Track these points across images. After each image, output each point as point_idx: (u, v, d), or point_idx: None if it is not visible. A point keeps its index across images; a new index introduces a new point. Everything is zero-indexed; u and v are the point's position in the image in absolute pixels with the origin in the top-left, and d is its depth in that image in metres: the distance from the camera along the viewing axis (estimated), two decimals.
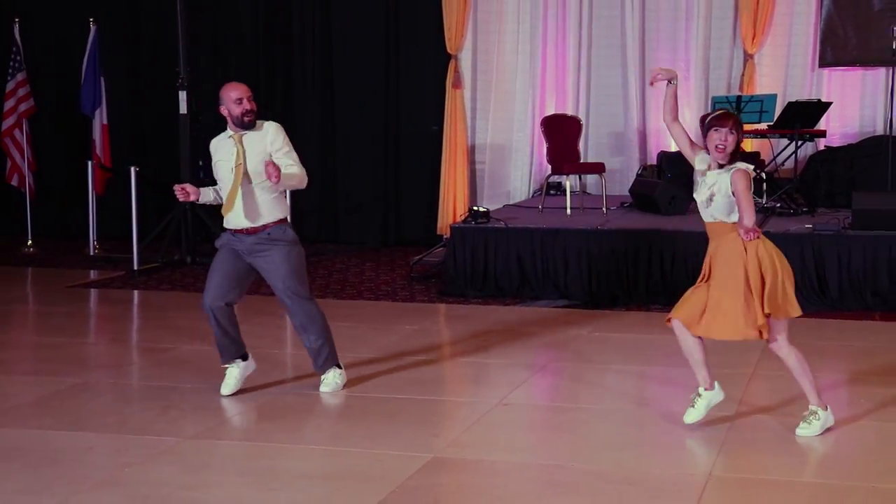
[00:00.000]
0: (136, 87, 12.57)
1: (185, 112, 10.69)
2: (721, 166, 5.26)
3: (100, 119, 11.57)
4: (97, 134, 11.59)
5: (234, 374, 6.10)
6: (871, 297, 8.39)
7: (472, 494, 4.70)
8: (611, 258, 8.85)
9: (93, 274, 10.36)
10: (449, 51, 11.53)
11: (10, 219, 12.50)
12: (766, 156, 10.52)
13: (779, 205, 9.64)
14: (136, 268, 10.19)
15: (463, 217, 10.10)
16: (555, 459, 5.11)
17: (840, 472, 4.93)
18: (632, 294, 8.77)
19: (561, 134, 10.62)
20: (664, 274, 8.74)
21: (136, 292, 9.52)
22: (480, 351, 7.26)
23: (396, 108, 12.05)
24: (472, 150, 11.78)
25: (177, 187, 5.99)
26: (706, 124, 5.30)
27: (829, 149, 10.52)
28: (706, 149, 5.33)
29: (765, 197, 9.82)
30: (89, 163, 11.40)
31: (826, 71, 10.95)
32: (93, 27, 11.42)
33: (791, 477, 4.81)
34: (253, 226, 5.94)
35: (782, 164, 10.21)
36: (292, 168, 6.00)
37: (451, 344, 7.82)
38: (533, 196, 11.30)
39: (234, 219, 5.94)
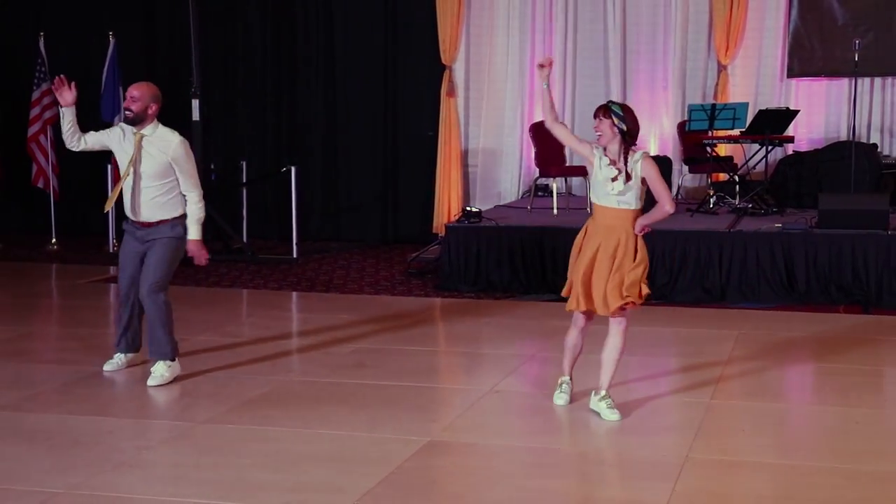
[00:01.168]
0: None
1: (198, 119, 10.66)
2: (621, 158, 5.21)
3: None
4: None
5: (122, 360, 6.26)
6: (835, 291, 8.39)
7: (465, 475, 4.70)
8: None
9: (112, 270, 10.32)
10: (443, 62, 11.52)
11: (36, 218, 12.47)
12: (738, 160, 10.52)
13: (750, 205, 9.64)
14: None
15: (457, 217, 10.09)
16: (542, 443, 5.11)
17: (806, 453, 4.94)
18: None
19: (548, 139, 10.47)
20: None
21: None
22: (473, 342, 7.26)
23: (394, 114, 12.04)
24: (465, 154, 11.77)
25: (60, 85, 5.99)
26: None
27: (796, 153, 10.52)
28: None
29: (737, 198, 9.82)
30: (109, 166, 11.37)
31: (794, 81, 10.95)
32: (112, 40, 11.40)
33: (761, 458, 4.82)
34: (144, 221, 5.99)
35: (754, 167, 10.21)
36: (192, 195, 5.99)
37: (445, 335, 7.82)
38: (522, 197, 11.29)
39: (128, 211, 6.03)
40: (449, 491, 4.54)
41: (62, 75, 6.06)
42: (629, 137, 5.23)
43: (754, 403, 5.73)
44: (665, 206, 5.22)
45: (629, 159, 5.22)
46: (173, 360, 6.11)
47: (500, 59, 11.65)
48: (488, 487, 4.49)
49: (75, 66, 12.62)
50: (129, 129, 6.02)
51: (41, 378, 6.26)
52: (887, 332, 7.44)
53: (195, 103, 10.63)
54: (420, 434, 5.11)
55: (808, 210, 9.36)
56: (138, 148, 5.94)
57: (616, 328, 5.38)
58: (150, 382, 6.00)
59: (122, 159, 6.02)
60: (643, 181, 5.23)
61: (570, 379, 5.65)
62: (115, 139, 6.07)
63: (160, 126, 6.04)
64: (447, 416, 5.55)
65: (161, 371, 6.05)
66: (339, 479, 4.54)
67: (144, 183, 5.94)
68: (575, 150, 5.52)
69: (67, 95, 6.01)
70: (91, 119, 12.02)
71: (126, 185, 5.97)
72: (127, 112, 5.97)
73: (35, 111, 11.68)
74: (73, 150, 6.17)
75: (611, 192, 5.22)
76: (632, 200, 5.24)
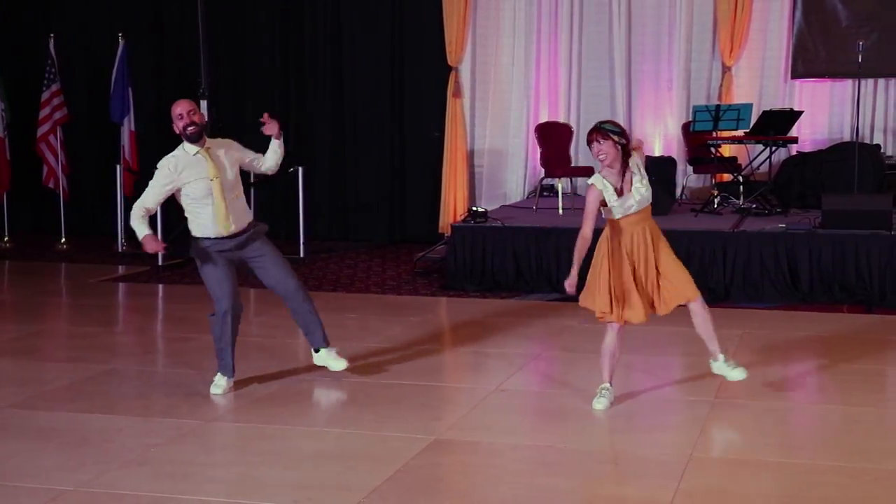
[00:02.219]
0: (162, 96, 12.52)
1: (206, 119, 10.66)
2: (623, 171, 5.37)
3: (128, 126, 11.57)
4: (125, 140, 11.58)
5: (225, 385, 5.89)
6: (839, 290, 8.38)
7: (471, 473, 4.70)
8: None
9: (121, 269, 10.36)
10: (450, 63, 11.52)
11: (46, 218, 12.49)
12: (742, 160, 10.51)
13: (754, 206, 9.63)
14: (160, 263, 10.18)
15: (463, 217, 10.09)
16: (547, 441, 5.11)
17: (810, 452, 4.94)
18: None
19: (554, 140, 10.61)
20: None
21: (160, 286, 9.52)
22: (479, 341, 7.26)
23: (401, 115, 12.04)
24: (471, 155, 11.76)
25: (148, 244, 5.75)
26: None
27: (800, 154, 10.50)
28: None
29: (741, 198, 9.80)
30: (118, 167, 11.40)
31: (798, 82, 10.93)
32: (121, 41, 11.41)
33: (765, 457, 4.81)
34: (240, 229, 5.81)
35: (757, 168, 10.20)
36: (274, 154, 6.09)
37: (451, 334, 7.82)
38: (528, 197, 11.28)
39: (225, 228, 5.74)
40: (454, 489, 4.54)
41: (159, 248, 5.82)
42: (627, 149, 5.36)
43: (758, 402, 5.72)
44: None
45: (630, 170, 5.36)
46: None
47: (506, 60, 11.64)
48: (494, 486, 4.49)
49: (85, 67, 12.72)
50: (183, 155, 5.72)
51: (51, 376, 6.27)
52: (890, 332, 7.42)
53: (204, 104, 10.62)
54: (426, 432, 5.11)
55: (811, 210, 9.34)
56: (214, 160, 5.72)
57: (697, 307, 5.53)
58: (340, 367, 6.01)
59: (199, 185, 5.69)
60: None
61: (611, 385, 5.60)
62: (177, 175, 5.70)
63: (208, 139, 5.82)
64: (453, 414, 5.55)
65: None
66: (345, 477, 4.55)
67: (230, 195, 5.75)
68: (595, 210, 5.43)
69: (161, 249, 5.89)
70: (100, 119, 12.08)
71: (219, 204, 5.70)
72: (191, 128, 5.66)
73: (45, 111, 11.70)
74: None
75: (630, 207, 5.38)
76: (647, 197, 5.42)
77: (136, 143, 11.57)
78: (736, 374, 5.62)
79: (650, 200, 5.44)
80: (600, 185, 5.37)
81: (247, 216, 5.89)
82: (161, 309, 8.93)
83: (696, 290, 5.53)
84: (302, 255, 10.62)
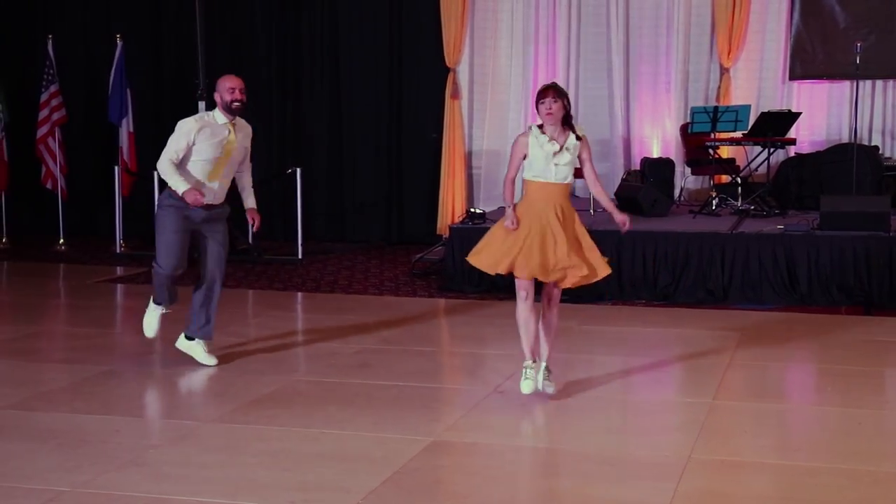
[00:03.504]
0: (160, 97, 12.55)
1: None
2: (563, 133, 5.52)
3: (126, 127, 11.55)
4: (124, 141, 11.57)
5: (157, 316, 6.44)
6: (837, 292, 8.37)
7: (469, 475, 4.69)
8: None
9: (119, 270, 10.34)
10: (447, 64, 11.51)
11: (44, 219, 12.47)
12: (740, 162, 10.51)
13: (753, 207, 9.63)
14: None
15: (461, 218, 10.09)
16: (545, 443, 5.10)
17: (808, 454, 4.93)
18: (616, 290, 8.75)
19: None
20: (646, 271, 8.73)
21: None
22: (477, 342, 7.25)
23: (399, 116, 12.03)
24: (469, 156, 11.76)
25: (190, 195, 5.98)
26: (536, 101, 5.55)
27: (798, 155, 10.51)
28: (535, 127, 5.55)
29: (740, 200, 9.80)
30: (116, 168, 11.39)
31: (796, 83, 10.93)
32: (119, 42, 11.40)
33: (763, 459, 4.81)
34: (216, 203, 6.21)
35: (756, 169, 10.20)
36: (248, 172, 6.53)
37: (449, 336, 7.81)
38: None
39: (209, 197, 6.11)
40: (453, 490, 4.53)
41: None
42: (569, 120, 5.56)
43: (756, 404, 5.71)
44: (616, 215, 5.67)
45: (565, 139, 5.51)
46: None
47: (503, 61, 11.64)
48: (492, 487, 4.48)
49: (83, 67, 12.71)
50: (210, 119, 6.13)
51: (49, 377, 6.26)
52: (889, 334, 7.42)
53: (201, 105, 10.62)
54: (424, 434, 5.10)
55: (809, 212, 9.34)
56: (229, 139, 6.15)
57: (557, 301, 5.62)
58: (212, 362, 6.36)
59: (212, 148, 6.09)
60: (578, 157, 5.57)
61: (534, 362, 5.65)
62: (197, 134, 6.07)
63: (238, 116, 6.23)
64: (451, 415, 5.54)
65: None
66: (343, 478, 4.54)
67: (229, 169, 6.23)
68: (518, 159, 5.60)
69: (202, 199, 6.06)
70: (98, 120, 12.08)
71: (208, 168, 6.11)
72: (237, 103, 6.10)
73: (44, 113, 11.69)
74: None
75: (556, 165, 5.48)
76: (568, 175, 5.55)
77: (134, 144, 11.56)
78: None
79: (567, 180, 5.53)
80: (530, 135, 5.51)
81: (225, 195, 6.29)
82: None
83: (606, 269, 5.57)
84: (300, 256, 10.61)
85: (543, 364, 5.65)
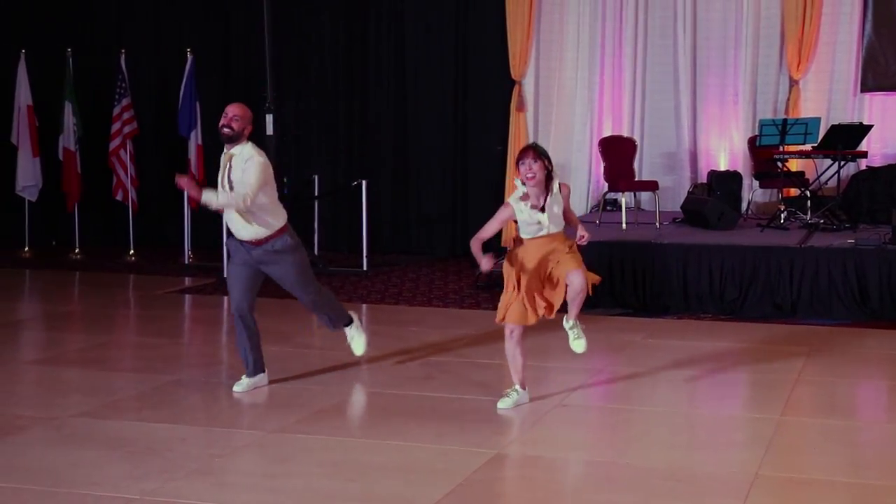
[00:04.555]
0: None
1: (272, 133, 10.79)
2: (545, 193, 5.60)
3: (195, 140, 11.73)
4: (193, 153, 11.75)
5: (247, 382, 6.17)
6: None
7: (532, 488, 4.68)
8: (663, 270, 8.76)
9: (187, 281, 10.50)
10: (513, 77, 11.52)
11: (115, 230, 12.71)
12: (810, 175, 10.35)
13: (822, 221, 9.48)
14: (226, 275, 10.28)
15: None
16: (609, 457, 5.07)
17: (879, 472, 4.83)
18: (682, 303, 8.67)
19: (617, 154, 10.55)
20: (713, 284, 8.63)
21: (225, 298, 9.59)
22: (541, 355, 7.22)
23: (465, 129, 12.06)
24: None
25: (178, 179, 5.89)
26: (516, 162, 5.65)
27: (870, 168, 10.32)
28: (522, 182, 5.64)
29: (809, 213, 9.66)
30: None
31: (867, 95, 10.75)
32: (190, 57, 11.59)
33: (833, 477, 4.72)
34: (254, 239, 5.97)
35: (826, 182, 10.04)
36: (228, 194, 5.89)
37: None
38: (591, 211, 11.23)
39: (236, 230, 6.02)
40: None
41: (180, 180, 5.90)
42: (550, 174, 5.61)
43: (825, 421, 5.62)
44: (578, 230, 5.69)
45: (549, 194, 5.58)
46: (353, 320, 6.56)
47: (569, 73, 11.61)
48: (555, 501, 4.46)
49: (154, 81, 12.95)
50: (224, 151, 6.04)
51: (118, 386, 6.37)
52: None
53: (269, 118, 10.75)
54: (487, 446, 5.10)
55: (881, 226, 9.18)
56: (227, 167, 5.96)
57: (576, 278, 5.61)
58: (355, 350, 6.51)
59: (218, 181, 6.03)
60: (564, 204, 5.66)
61: (523, 388, 5.87)
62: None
63: (249, 145, 6.01)
64: (515, 428, 5.53)
65: (355, 332, 6.52)
66: (406, 489, 4.55)
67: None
68: (499, 224, 5.82)
69: (192, 192, 5.94)
70: (168, 133, 12.29)
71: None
72: (226, 129, 5.96)
73: (116, 126, 11.93)
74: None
75: (540, 228, 5.59)
76: (559, 224, 5.64)
77: (202, 157, 11.73)
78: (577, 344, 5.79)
79: (559, 229, 5.62)
80: (514, 202, 5.63)
81: (261, 231, 5.97)
82: (226, 320, 9.01)
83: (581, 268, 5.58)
84: (365, 268, 10.67)
85: (571, 321, 5.78)
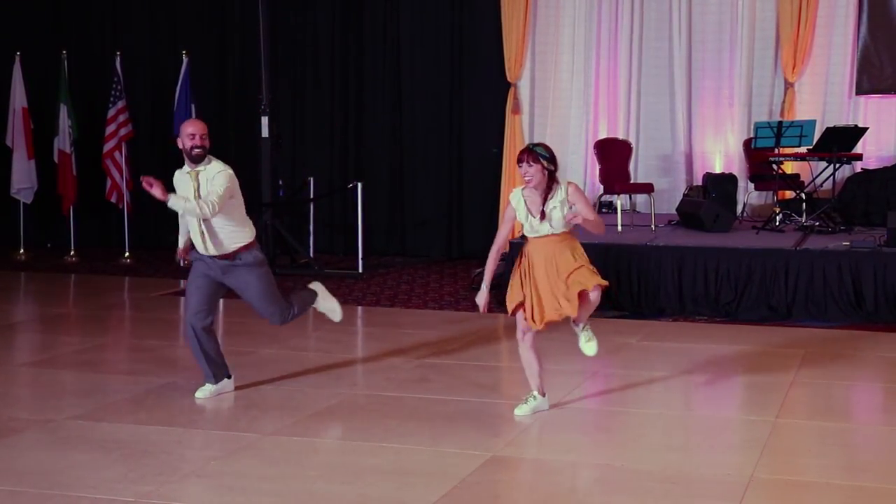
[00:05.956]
0: (223, 112, 12.71)
1: (267, 136, 10.79)
2: (545, 195, 5.49)
3: None
4: None
5: (211, 389, 6.12)
6: None
7: (528, 491, 4.68)
8: (658, 272, 8.77)
9: (182, 283, 10.42)
10: (508, 79, 11.53)
11: (110, 232, 12.70)
12: (805, 177, 10.36)
13: (818, 223, 9.50)
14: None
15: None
16: (605, 459, 5.07)
17: (875, 475, 4.83)
18: (677, 306, 8.68)
19: (612, 156, 10.56)
20: (708, 287, 8.64)
21: (220, 301, 9.59)
22: None
23: (460, 131, 12.07)
24: None
25: (143, 179, 5.79)
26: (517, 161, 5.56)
27: (865, 171, 10.34)
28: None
29: (804, 216, 9.67)
30: None
31: (862, 98, 10.76)
32: (185, 58, 11.59)
33: (829, 479, 4.73)
34: (221, 253, 5.95)
35: (821, 185, 10.05)
36: (195, 202, 5.81)
37: (508, 351, 7.79)
38: None
39: (202, 248, 5.96)
40: None
41: (146, 179, 5.80)
42: (553, 175, 5.48)
43: (821, 423, 5.62)
44: (601, 229, 5.63)
45: (550, 196, 5.47)
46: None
47: (565, 76, 11.62)
48: (551, 503, 4.46)
49: (149, 83, 12.94)
50: (179, 175, 6.00)
51: (113, 388, 6.37)
52: None
53: (264, 120, 10.77)
54: (483, 449, 5.10)
55: (876, 228, 9.20)
56: (194, 185, 5.91)
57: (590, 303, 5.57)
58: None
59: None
60: (570, 207, 5.50)
61: (542, 395, 5.79)
62: (177, 184, 6.01)
63: (215, 161, 5.96)
64: (510, 431, 5.53)
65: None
66: (401, 492, 4.55)
67: (206, 218, 5.88)
68: (510, 224, 5.73)
69: (157, 192, 5.79)
70: (163, 135, 12.28)
71: (192, 223, 5.94)
72: (197, 150, 5.87)
73: (111, 128, 11.91)
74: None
75: (540, 230, 5.52)
76: (559, 227, 5.50)
77: None
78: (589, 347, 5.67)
79: (561, 230, 5.51)
80: (514, 201, 5.58)
81: (231, 243, 5.95)
82: (221, 323, 9.00)
83: (597, 281, 5.49)
84: (360, 270, 10.67)
85: (581, 325, 5.69)
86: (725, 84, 11.13)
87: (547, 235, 5.52)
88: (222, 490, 4.59)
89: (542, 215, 5.47)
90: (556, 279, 5.49)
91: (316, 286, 6.52)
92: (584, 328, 5.69)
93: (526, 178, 5.48)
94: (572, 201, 5.47)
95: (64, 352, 7.47)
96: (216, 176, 5.87)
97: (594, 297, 5.50)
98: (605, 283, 5.56)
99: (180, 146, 5.94)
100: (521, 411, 5.69)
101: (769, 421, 5.59)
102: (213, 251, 5.95)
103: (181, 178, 6.01)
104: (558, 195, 5.47)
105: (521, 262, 5.62)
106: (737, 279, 8.60)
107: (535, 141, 11.54)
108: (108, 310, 9.32)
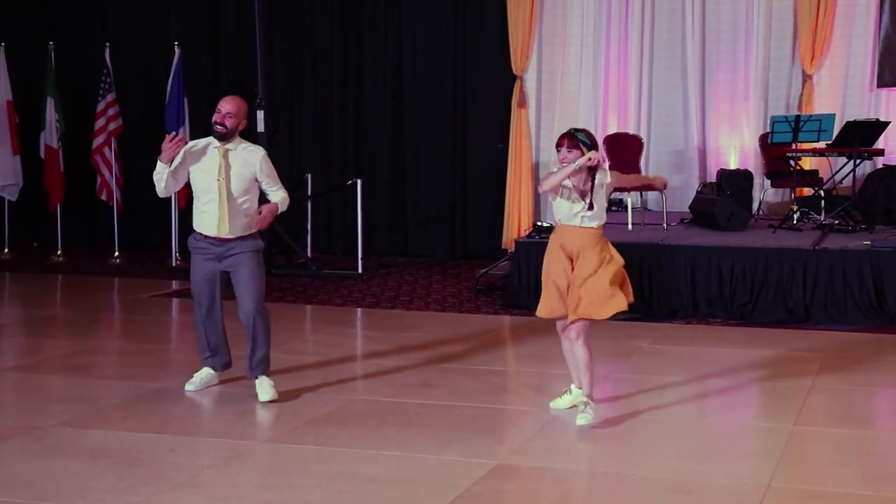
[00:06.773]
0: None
1: (263, 130, 10.80)
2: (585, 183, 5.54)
3: (184, 136, 11.72)
4: None
5: (204, 377, 6.35)
6: None
7: (534, 500, 4.68)
8: (671, 272, 8.77)
9: (174, 284, 10.48)
10: (514, 72, 11.53)
11: (99, 231, 12.71)
12: (824, 174, 10.37)
13: (837, 222, 9.49)
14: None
15: (527, 232, 10.08)
16: (614, 468, 5.07)
17: None
18: (690, 307, 8.68)
19: (623, 152, 10.56)
20: (723, 288, 8.64)
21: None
22: (543, 361, 7.23)
23: (464, 126, 12.07)
24: (536, 167, 11.75)
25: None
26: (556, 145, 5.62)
27: (887, 167, 10.34)
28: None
29: (823, 214, 9.67)
30: None
31: (884, 91, 10.75)
32: (177, 50, 11.59)
33: (849, 489, 4.72)
34: (232, 235, 6.05)
35: (840, 181, 10.05)
36: (278, 193, 6.13)
37: (514, 355, 7.80)
38: None
39: (215, 229, 6.02)
40: None
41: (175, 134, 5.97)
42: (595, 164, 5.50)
43: (840, 430, 5.62)
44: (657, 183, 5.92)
45: (593, 184, 5.50)
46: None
47: (573, 68, 11.62)
48: None
49: (140, 76, 12.94)
50: (206, 142, 6.08)
51: (102, 394, 6.37)
52: None
53: (260, 115, 10.75)
54: (488, 457, 5.10)
55: None
56: (226, 163, 5.99)
57: (575, 335, 5.69)
58: (261, 399, 6.08)
59: (202, 178, 6.02)
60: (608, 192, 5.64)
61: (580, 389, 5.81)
62: (189, 151, 6.06)
63: (242, 141, 6.11)
64: (516, 438, 5.54)
65: (267, 385, 6.16)
66: (404, 501, 4.55)
67: (234, 201, 5.99)
68: (563, 182, 5.61)
69: (173, 151, 5.95)
70: (155, 130, 12.28)
71: (211, 201, 6.00)
72: (219, 127, 5.97)
73: (100, 123, 11.92)
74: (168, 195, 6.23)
75: (575, 218, 5.54)
76: (594, 220, 5.54)
77: None
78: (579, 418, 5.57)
79: (594, 225, 5.53)
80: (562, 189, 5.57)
81: (244, 229, 6.07)
82: None
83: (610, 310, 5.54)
84: (360, 270, 10.67)
85: (582, 395, 5.69)
86: (741, 76, 11.13)
87: (576, 226, 5.53)
88: (216, 500, 4.59)
89: (583, 195, 5.47)
90: (570, 279, 5.55)
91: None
92: (584, 401, 5.64)
93: (563, 165, 5.49)
94: (610, 181, 5.56)
95: (51, 356, 7.48)
96: (261, 164, 6.04)
97: (581, 355, 5.58)
98: (624, 306, 5.60)
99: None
100: (581, 421, 5.58)
101: (787, 428, 5.58)
102: (226, 233, 6.02)
103: (209, 151, 6.04)
104: (599, 182, 5.51)
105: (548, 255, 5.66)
106: (752, 280, 8.59)
107: (542, 132, 11.64)
108: (97, 312, 9.32)
